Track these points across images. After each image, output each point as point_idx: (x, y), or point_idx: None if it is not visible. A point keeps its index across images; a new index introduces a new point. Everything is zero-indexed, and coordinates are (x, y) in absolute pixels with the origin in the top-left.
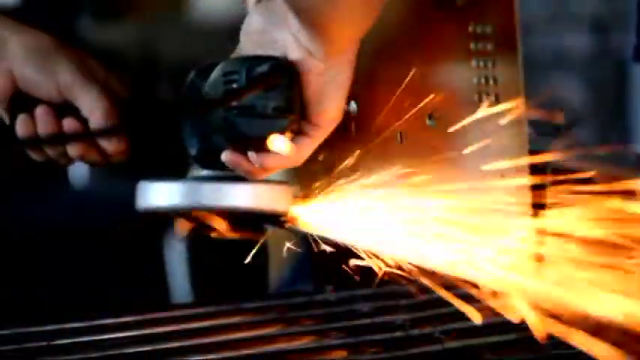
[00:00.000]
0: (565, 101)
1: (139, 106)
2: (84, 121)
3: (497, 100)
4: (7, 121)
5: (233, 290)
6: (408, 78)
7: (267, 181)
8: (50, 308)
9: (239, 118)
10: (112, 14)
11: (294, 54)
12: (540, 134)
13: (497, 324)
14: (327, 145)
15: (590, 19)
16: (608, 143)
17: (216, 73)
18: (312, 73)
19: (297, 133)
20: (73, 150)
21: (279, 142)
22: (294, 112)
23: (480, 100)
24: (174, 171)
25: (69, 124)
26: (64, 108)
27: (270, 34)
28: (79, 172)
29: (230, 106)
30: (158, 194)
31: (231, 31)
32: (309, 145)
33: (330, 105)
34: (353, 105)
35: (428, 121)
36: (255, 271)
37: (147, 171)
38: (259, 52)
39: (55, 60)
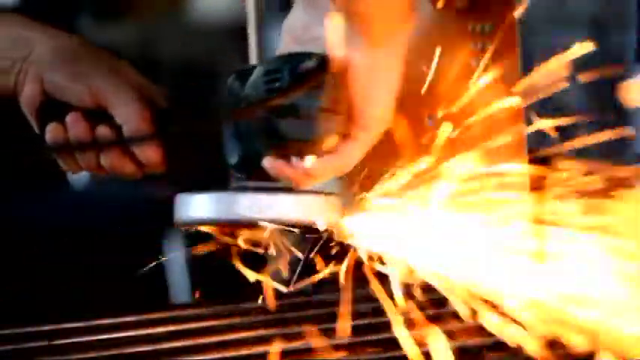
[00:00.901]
0: (565, 101)
1: (175, 113)
2: (118, 128)
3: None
4: (36, 129)
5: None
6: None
7: (312, 192)
8: (50, 308)
9: (282, 120)
10: (112, 14)
11: (338, 49)
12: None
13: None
14: None
15: (590, 19)
16: (608, 143)
17: (257, 73)
18: (358, 70)
19: (344, 137)
20: (106, 159)
21: (326, 146)
22: (340, 113)
23: (480, 100)
24: (209, 183)
25: (102, 131)
26: (96, 115)
27: (313, 30)
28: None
29: (273, 107)
30: (200, 207)
31: (231, 31)
32: (357, 150)
33: (378, 105)
34: None
35: (428, 121)
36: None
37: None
38: (301, 49)
39: (86, 64)
